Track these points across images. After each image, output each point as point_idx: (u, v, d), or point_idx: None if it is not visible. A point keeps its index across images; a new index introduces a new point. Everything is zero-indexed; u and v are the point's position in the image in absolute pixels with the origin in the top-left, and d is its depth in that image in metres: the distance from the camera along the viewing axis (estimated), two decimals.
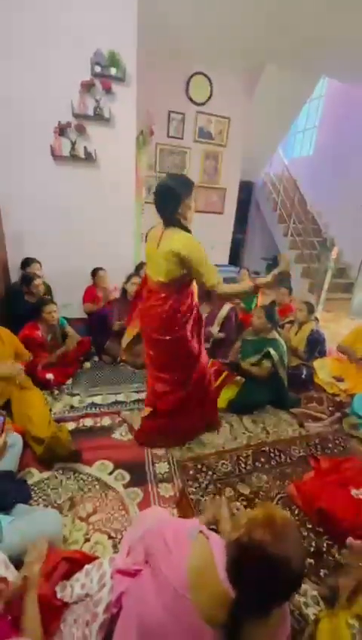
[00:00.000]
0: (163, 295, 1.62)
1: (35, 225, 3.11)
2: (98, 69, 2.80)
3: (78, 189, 3.13)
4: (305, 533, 1.44)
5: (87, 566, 1.06)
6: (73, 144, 2.95)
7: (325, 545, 1.40)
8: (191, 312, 1.71)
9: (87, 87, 2.84)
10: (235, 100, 4.61)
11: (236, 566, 0.73)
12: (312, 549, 1.38)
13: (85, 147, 2.99)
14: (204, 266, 1.50)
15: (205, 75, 4.38)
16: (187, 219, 1.57)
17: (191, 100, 4.44)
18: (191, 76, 4.34)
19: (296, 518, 1.52)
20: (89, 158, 3.02)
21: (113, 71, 2.83)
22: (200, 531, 0.89)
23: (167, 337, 1.67)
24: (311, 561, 1.33)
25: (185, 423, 1.89)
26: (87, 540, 1.34)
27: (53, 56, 2.70)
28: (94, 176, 3.15)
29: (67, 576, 1.06)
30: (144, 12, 2.81)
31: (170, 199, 1.50)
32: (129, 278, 3.03)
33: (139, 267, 3.38)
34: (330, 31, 3.40)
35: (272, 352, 2.27)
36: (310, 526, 1.48)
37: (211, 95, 4.49)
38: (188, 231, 1.56)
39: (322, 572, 1.30)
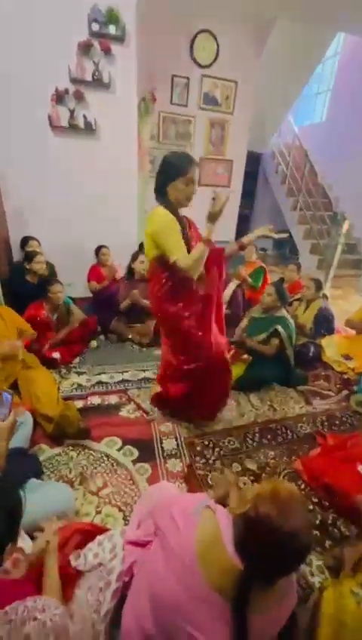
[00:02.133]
0: (150, 274, 1.62)
1: (36, 201, 3.01)
2: (96, 27, 2.60)
3: (78, 162, 3.00)
4: (311, 507, 1.47)
5: (99, 537, 1.09)
6: (72, 112, 2.80)
7: (331, 518, 1.43)
8: (186, 296, 1.61)
9: (85, 48, 2.64)
10: (243, 62, 4.28)
11: (243, 540, 0.74)
12: (318, 522, 1.41)
13: (84, 116, 2.83)
14: (167, 243, 1.43)
15: (211, 33, 4.05)
16: (177, 200, 1.47)
17: (195, 62, 4.13)
18: (196, 35, 4.01)
19: (303, 492, 1.54)
20: (88, 127, 2.87)
21: (112, 29, 2.62)
22: (207, 505, 0.90)
23: (158, 314, 1.71)
24: (317, 533, 1.37)
25: (194, 405, 1.88)
26: (98, 513, 1.38)
27: (47, 13, 2.50)
28: (94, 148, 3.01)
29: (80, 546, 1.10)
30: None
31: (159, 175, 1.46)
32: (135, 256, 2.92)
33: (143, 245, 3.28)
34: None
35: (280, 329, 2.24)
36: (316, 500, 1.50)
37: (217, 56, 4.17)
38: (172, 208, 1.47)
39: (327, 543, 1.33)
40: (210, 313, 1.66)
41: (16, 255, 3.06)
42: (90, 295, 3.17)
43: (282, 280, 2.55)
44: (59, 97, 2.73)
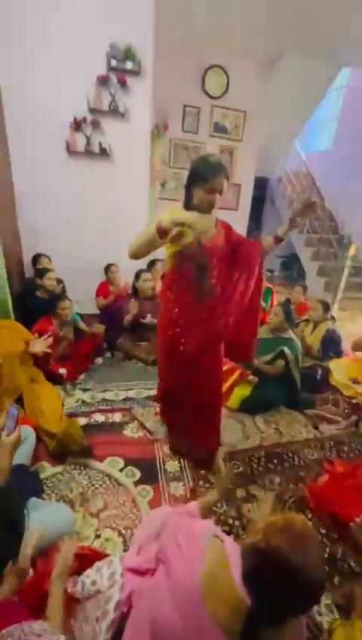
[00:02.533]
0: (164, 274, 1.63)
1: (49, 220, 3.13)
2: (114, 62, 2.78)
3: (92, 184, 3.13)
4: (319, 539, 1.41)
5: (97, 563, 1.06)
6: (88, 139, 2.95)
7: (340, 551, 1.36)
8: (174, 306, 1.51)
9: (103, 81, 2.82)
10: (252, 94, 4.50)
11: (252, 572, 0.71)
12: (326, 556, 1.34)
13: (100, 142, 2.99)
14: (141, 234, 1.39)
15: (221, 68, 4.29)
16: (199, 205, 1.40)
17: (206, 93, 4.36)
18: (208, 69, 4.26)
19: (310, 522, 1.48)
20: (103, 153, 3.01)
21: (129, 64, 2.80)
22: (215, 534, 0.88)
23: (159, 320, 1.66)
24: (325, 567, 1.30)
25: (176, 425, 1.79)
26: (97, 536, 1.34)
27: (70, 50, 2.70)
28: (108, 171, 3.14)
29: (78, 572, 1.06)
30: (160, 4, 2.76)
31: (188, 178, 1.41)
32: (138, 275, 2.92)
33: (152, 264, 3.34)
34: (353, 17, 3.27)
35: (286, 350, 2.23)
36: (324, 531, 1.44)
37: (227, 88, 4.40)
38: (189, 208, 1.42)
39: (336, 579, 1.26)
40: (209, 328, 1.49)
41: (28, 272, 3.15)
42: (97, 312, 3.21)
43: (289, 301, 2.56)
44: (77, 125, 2.89)
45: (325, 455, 1.92)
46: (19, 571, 0.91)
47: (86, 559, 1.09)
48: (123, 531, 1.37)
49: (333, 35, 3.63)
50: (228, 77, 4.35)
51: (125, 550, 1.29)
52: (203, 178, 1.34)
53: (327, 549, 1.37)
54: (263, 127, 4.80)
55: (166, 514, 1.27)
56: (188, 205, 1.42)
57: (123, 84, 2.86)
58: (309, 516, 1.51)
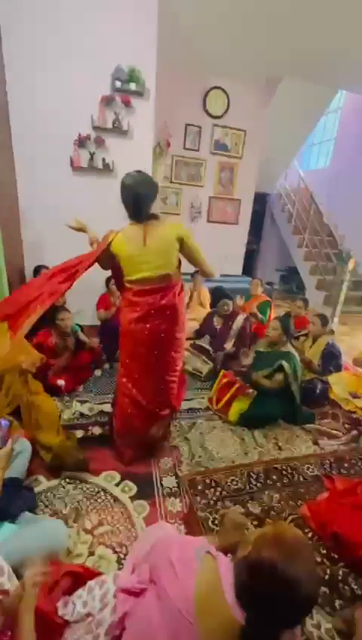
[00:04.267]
0: (173, 286, 1.66)
1: (52, 233, 3.17)
2: (118, 84, 2.88)
3: (94, 198, 3.20)
4: (319, 559, 1.36)
5: (90, 582, 1.02)
6: (92, 155, 3.03)
7: (341, 573, 1.32)
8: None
9: (107, 101, 2.92)
10: (252, 113, 4.65)
11: (244, 586, 0.69)
12: (327, 577, 1.30)
13: (103, 158, 3.07)
14: (199, 250, 1.66)
15: (222, 90, 4.46)
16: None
17: (207, 113, 4.52)
18: (209, 91, 4.42)
19: (311, 541, 1.44)
20: (106, 168, 3.09)
21: (133, 86, 2.91)
22: (208, 552, 0.85)
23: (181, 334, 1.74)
24: (326, 589, 1.25)
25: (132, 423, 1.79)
26: (91, 554, 1.31)
27: (76, 71, 2.81)
28: (111, 186, 3.19)
29: (69, 591, 1.03)
30: (164, 28, 2.89)
31: (151, 194, 1.62)
32: None
33: None
34: (349, 44, 3.42)
35: (285, 365, 2.22)
36: (324, 551, 1.40)
37: (228, 108, 4.56)
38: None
39: (337, 603, 1.22)
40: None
41: None
42: (97, 324, 3.22)
43: (289, 314, 2.57)
44: (82, 142, 2.98)
45: (325, 471, 1.88)
46: (12, 603, 0.87)
47: (79, 578, 1.06)
48: (117, 549, 1.34)
49: (330, 61, 3.78)
50: (228, 98, 4.51)
51: (119, 569, 1.25)
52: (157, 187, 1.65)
53: (328, 571, 1.32)
54: (263, 146, 4.94)
55: (160, 529, 1.24)
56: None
57: (127, 104, 2.96)
58: (309, 535, 1.47)
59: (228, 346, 2.84)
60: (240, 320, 2.82)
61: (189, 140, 4.58)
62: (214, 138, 4.66)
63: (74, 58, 2.77)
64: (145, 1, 2.75)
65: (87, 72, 2.83)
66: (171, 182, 4.62)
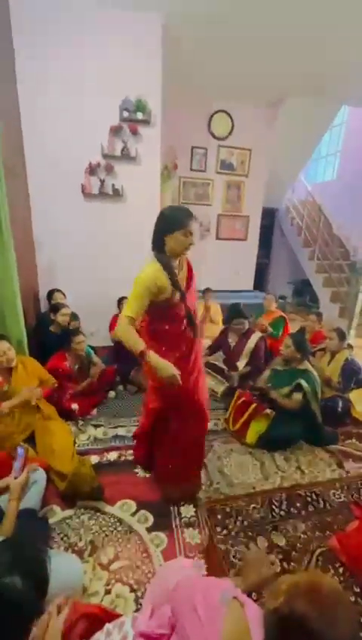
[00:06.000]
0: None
1: (66, 256, 3.27)
2: (126, 114, 3.01)
3: (105, 223, 3.29)
4: (353, 599, 1.25)
5: (107, 625, 0.97)
6: (102, 182, 3.14)
7: None
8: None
9: (116, 130, 3.05)
10: (256, 132, 4.76)
11: None
12: None
13: (113, 184, 3.17)
14: (131, 296, 1.45)
15: (226, 112, 4.59)
16: (173, 251, 1.47)
17: (212, 135, 4.65)
18: (213, 114, 4.57)
19: (341, 578, 1.33)
20: (116, 193, 3.18)
21: (140, 115, 3.03)
22: (235, 597, 0.79)
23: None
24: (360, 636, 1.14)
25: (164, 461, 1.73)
26: (107, 592, 1.24)
27: (87, 104, 2.96)
28: (121, 210, 3.30)
29: (86, 635, 0.97)
30: (168, 58, 3.03)
31: (157, 228, 1.48)
32: (120, 302, 3.04)
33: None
34: (349, 62, 3.49)
35: (304, 383, 2.14)
36: (359, 589, 1.29)
37: (232, 129, 4.68)
38: (163, 262, 1.47)
39: None
40: (196, 358, 1.62)
41: (43, 307, 3.24)
42: (111, 344, 3.23)
43: (303, 330, 2.50)
44: (92, 170, 3.10)
45: (352, 497, 1.77)
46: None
47: (96, 620, 1.01)
48: (135, 586, 1.27)
49: (331, 79, 3.85)
50: (232, 120, 4.64)
51: (137, 609, 1.18)
52: (181, 223, 1.42)
53: None
54: (268, 163, 5.01)
55: (180, 567, 1.18)
56: (161, 258, 1.47)
57: (134, 132, 3.08)
58: (340, 571, 1.36)
59: (241, 364, 2.78)
60: (254, 339, 2.76)
61: (196, 162, 4.70)
62: (220, 158, 4.77)
63: (84, 91, 2.93)
64: (150, 37, 2.90)
65: (96, 104, 2.98)
66: (180, 202, 4.71)
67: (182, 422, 1.63)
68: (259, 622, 0.69)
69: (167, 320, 1.54)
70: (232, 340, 2.87)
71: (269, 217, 6.62)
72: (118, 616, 1.03)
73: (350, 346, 2.81)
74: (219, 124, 4.61)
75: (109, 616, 1.04)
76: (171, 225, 1.43)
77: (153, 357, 1.38)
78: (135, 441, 1.98)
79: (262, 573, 1.04)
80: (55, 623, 0.86)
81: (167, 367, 1.38)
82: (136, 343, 1.39)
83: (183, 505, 1.66)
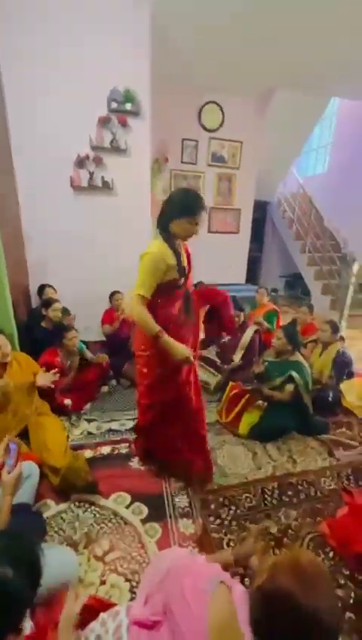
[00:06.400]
0: None
1: (56, 251, 3.23)
2: (114, 105, 2.96)
3: (95, 216, 3.25)
4: (343, 581, 1.29)
5: (102, 614, 0.98)
6: (91, 174, 3.09)
7: None
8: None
9: (104, 121, 3.00)
10: (247, 124, 4.73)
11: (260, 618, 0.65)
12: (351, 601, 1.22)
13: (102, 177, 3.12)
14: (141, 275, 1.42)
15: (217, 104, 4.55)
16: (177, 235, 1.46)
17: (203, 127, 4.60)
18: (203, 105, 4.52)
19: (331, 562, 1.37)
20: (105, 186, 3.14)
21: (128, 106, 2.98)
22: (222, 581, 0.81)
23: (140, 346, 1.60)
24: (352, 615, 1.18)
25: (168, 454, 1.76)
26: (102, 583, 1.26)
27: (74, 95, 2.90)
28: (111, 203, 3.26)
29: (82, 624, 0.98)
30: (156, 48, 2.97)
31: (167, 209, 1.46)
32: (111, 296, 3.04)
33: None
34: (339, 52, 3.47)
35: (295, 375, 2.17)
36: (347, 573, 1.33)
37: (223, 121, 4.64)
38: (169, 241, 1.46)
39: None
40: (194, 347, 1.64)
41: (34, 303, 3.20)
42: (104, 339, 3.22)
43: (295, 322, 2.51)
44: (81, 162, 3.05)
45: (342, 484, 1.81)
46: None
47: (91, 610, 1.02)
48: (129, 576, 1.28)
49: (321, 70, 3.84)
50: (223, 112, 4.60)
51: (132, 598, 1.20)
52: (190, 211, 1.40)
53: (352, 594, 1.25)
54: (260, 155, 4.99)
55: (173, 556, 1.19)
56: (167, 238, 1.46)
57: (123, 123, 3.03)
58: (330, 555, 1.40)
59: (237, 358, 2.80)
60: (249, 332, 2.78)
61: (186, 154, 4.65)
62: (211, 151, 4.73)
63: (71, 82, 2.86)
64: (138, 25, 2.84)
65: (84, 95, 2.92)
66: None
67: (177, 413, 1.64)
68: (245, 604, 0.71)
69: (167, 303, 1.51)
70: (226, 334, 2.88)
71: (261, 210, 6.62)
72: (113, 605, 1.04)
73: (342, 339, 2.84)
74: (210, 116, 4.57)
75: (104, 606, 1.05)
76: (179, 210, 1.41)
77: (168, 340, 1.40)
78: (135, 436, 1.98)
79: (256, 546, 1.08)
80: (71, 609, 0.88)
81: (181, 349, 1.41)
82: (152, 324, 1.39)
83: (178, 495, 1.69)
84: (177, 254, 1.45)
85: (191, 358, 1.40)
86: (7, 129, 2.83)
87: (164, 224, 1.47)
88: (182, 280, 1.51)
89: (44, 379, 2.01)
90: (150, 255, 1.42)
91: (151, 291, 1.42)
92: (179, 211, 1.41)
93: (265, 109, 4.66)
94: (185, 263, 1.54)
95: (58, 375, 2.18)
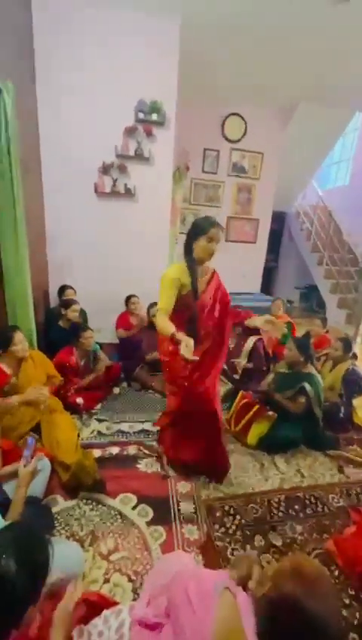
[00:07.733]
0: None
1: (77, 254, 3.32)
2: (141, 115, 3.06)
3: (117, 221, 3.33)
4: (347, 601, 1.27)
5: (105, 612, 1.00)
6: (114, 181, 3.19)
7: None
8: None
9: (130, 131, 3.10)
10: (269, 136, 4.76)
11: (265, 624, 0.65)
12: (356, 622, 1.20)
13: (125, 184, 3.21)
14: (161, 292, 1.62)
15: (240, 116, 4.61)
16: (200, 257, 1.63)
17: (225, 137, 4.67)
18: (227, 117, 4.59)
19: (336, 581, 1.35)
20: (128, 192, 3.23)
21: (154, 117, 3.06)
22: (227, 587, 0.82)
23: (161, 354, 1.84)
24: (355, 636, 1.16)
25: (185, 447, 1.88)
26: (106, 581, 1.28)
27: (102, 105, 3.01)
28: (133, 209, 3.35)
29: (84, 620, 1.00)
30: (184, 61, 3.06)
31: (187, 235, 1.67)
32: (150, 307, 3.08)
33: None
34: None
35: (307, 387, 2.15)
36: (353, 592, 1.30)
37: (245, 133, 4.69)
38: (188, 263, 1.65)
39: None
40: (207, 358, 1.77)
41: (53, 303, 3.30)
42: (117, 342, 3.27)
43: (309, 334, 2.50)
44: (105, 169, 3.15)
45: (351, 502, 1.78)
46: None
47: (95, 606, 1.04)
48: (133, 577, 1.30)
49: (345, 85, 3.84)
50: (246, 123, 4.65)
51: (135, 598, 1.21)
52: (203, 229, 1.60)
53: (357, 614, 1.23)
54: (280, 167, 5.01)
55: (178, 560, 1.20)
56: (189, 261, 1.65)
57: (148, 133, 3.12)
58: (336, 573, 1.38)
59: (239, 367, 2.80)
60: (250, 341, 2.78)
61: (208, 164, 4.72)
62: (232, 161, 4.78)
63: (100, 93, 2.98)
64: (167, 37, 2.94)
65: (112, 105, 3.03)
66: (190, 204, 4.75)
67: (193, 416, 1.78)
68: (251, 610, 0.72)
69: (177, 313, 1.65)
70: (230, 343, 2.89)
71: (279, 221, 6.61)
72: (116, 604, 1.06)
73: (354, 356, 2.79)
74: (233, 127, 4.63)
75: (108, 603, 1.07)
76: (196, 232, 1.61)
77: (180, 336, 1.49)
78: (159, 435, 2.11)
79: (249, 568, 1.07)
80: (68, 601, 0.91)
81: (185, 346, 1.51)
82: (167, 327, 1.53)
83: (184, 500, 1.69)
84: (193, 275, 1.64)
85: (191, 357, 1.44)
86: (37, 133, 2.97)
87: (187, 249, 1.67)
88: (193, 297, 1.66)
89: (36, 393, 1.94)
90: (167, 274, 1.64)
91: (169, 305, 1.61)
92: (195, 233, 1.62)
93: (288, 122, 4.69)
94: (202, 286, 1.71)
95: (62, 381, 2.27)
